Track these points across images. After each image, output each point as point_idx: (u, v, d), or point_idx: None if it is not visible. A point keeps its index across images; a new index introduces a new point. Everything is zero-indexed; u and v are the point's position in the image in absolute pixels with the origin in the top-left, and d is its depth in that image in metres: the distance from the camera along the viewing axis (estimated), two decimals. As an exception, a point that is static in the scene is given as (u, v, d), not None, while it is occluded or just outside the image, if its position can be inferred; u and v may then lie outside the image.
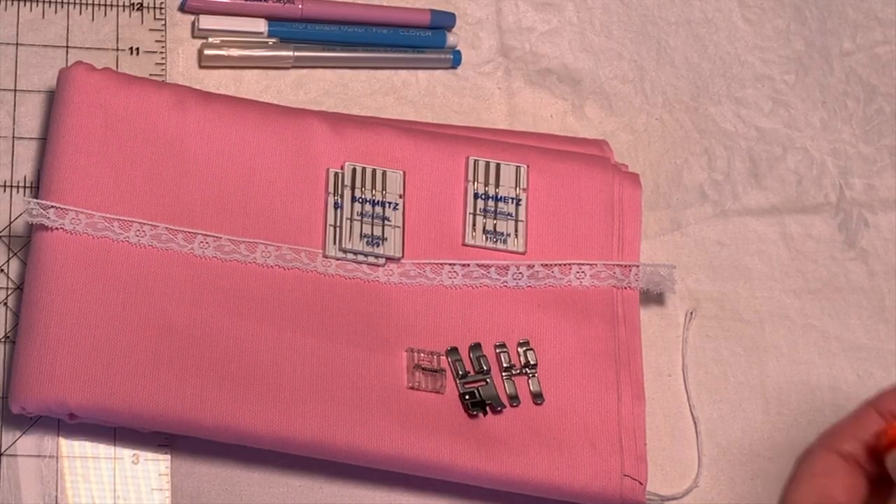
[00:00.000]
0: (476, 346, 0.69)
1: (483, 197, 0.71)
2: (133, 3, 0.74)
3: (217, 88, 0.74)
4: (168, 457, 0.67)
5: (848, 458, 0.52)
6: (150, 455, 0.66)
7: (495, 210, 0.71)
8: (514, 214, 0.71)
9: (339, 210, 0.69)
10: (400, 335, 0.68)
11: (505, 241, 0.71)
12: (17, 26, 0.72)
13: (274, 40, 0.74)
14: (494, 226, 0.71)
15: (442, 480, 0.68)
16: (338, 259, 0.68)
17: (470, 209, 0.71)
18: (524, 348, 0.69)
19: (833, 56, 0.84)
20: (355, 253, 0.68)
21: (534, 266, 0.70)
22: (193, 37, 0.74)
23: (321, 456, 0.66)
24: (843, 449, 0.50)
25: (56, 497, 0.65)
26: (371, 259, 0.69)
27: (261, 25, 0.74)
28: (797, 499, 0.50)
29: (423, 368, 0.67)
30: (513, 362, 0.69)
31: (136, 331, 0.65)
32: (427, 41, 0.77)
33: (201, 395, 0.65)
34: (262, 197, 0.68)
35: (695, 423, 0.74)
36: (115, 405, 0.64)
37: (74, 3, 0.73)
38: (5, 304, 0.67)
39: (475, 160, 0.71)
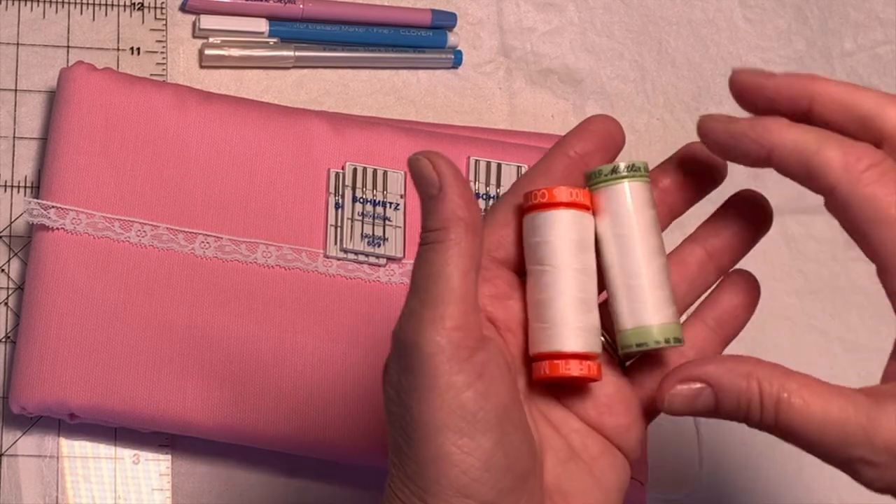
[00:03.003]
0: (477, 347, 0.69)
1: (484, 197, 0.71)
2: (134, 3, 0.74)
3: (218, 88, 0.74)
4: (168, 457, 0.67)
5: None
6: (150, 455, 0.66)
7: (496, 210, 0.71)
8: (514, 215, 0.71)
9: (339, 210, 0.69)
10: (401, 335, 0.68)
11: (506, 242, 0.71)
12: (18, 26, 0.72)
13: (275, 40, 0.74)
14: (495, 226, 0.71)
15: (443, 481, 0.68)
16: (339, 259, 0.68)
17: (471, 209, 0.71)
18: (525, 349, 0.69)
19: (834, 56, 0.84)
20: (356, 253, 0.68)
21: (535, 266, 0.70)
22: (194, 37, 0.74)
23: (322, 456, 0.66)
24: None
25: (57, 497, 0.65)
26: (372, 259, 0.69)
27: (262, 25, 0.74)
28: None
29: (424, 369, 0.67)
30: (513, 363, 0.69)
31: (136, 331, 0.65)
32: (428, 41, 0.77)
33: (202, 395, 0.65)
34: (263, 197, 0.68)
35: (696, 423, 0.74)
36: (116, 405, 0.64)
37: (75, 3, 0.73)
38: (6, 304, 0.67)
39: (476, 160, 0.71)
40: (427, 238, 0.45)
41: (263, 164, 0.69)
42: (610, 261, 0.48)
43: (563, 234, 0.47)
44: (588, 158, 0.49)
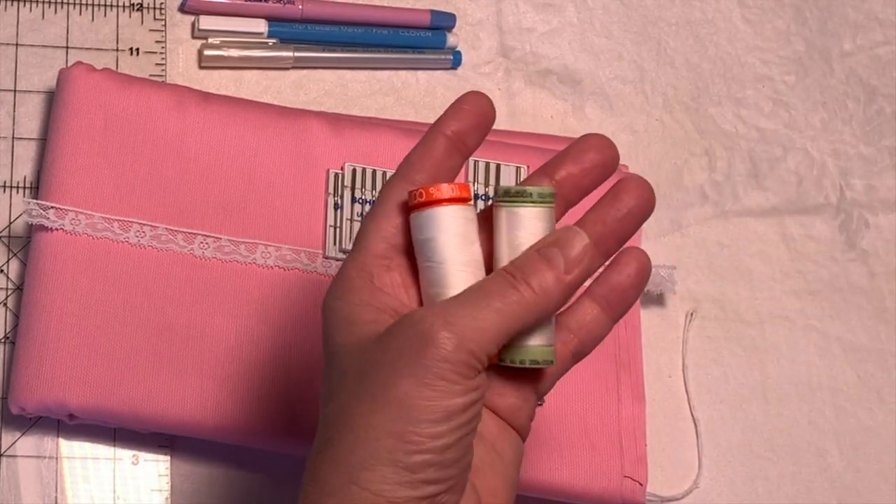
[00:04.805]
0: (476, 347, 0.69)
1: (483, 198, 0.71)
2: (133, 4, 0.74)
3: (217, 89, 0.73)
4: (168, 457, 0.67)
5: None
6: (149, 455, 0.66)
7: (495, 211, 0.71)
8: (514, 215, 0.71)
9: (339, 211, 0.69)
10: (400, 336, 0.68)
11: (505, 242, 0.71)
12: (17, 26, 0.72)
13: (274, 41, 0.74)
14: (494, 226, 0.71)
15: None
16: (338, 260, 0.68)
17: (470, 210, 0.71)
18: (524, 349, 0.69)
19: (833, 57, 0.84)
20: (355, 254, 0.68)
21: (534, 267, 0.70)
22: (193, 37, 0.74)
23: (321, 457, 0.66)
24: (417, 179, 0.50)
25: (56, 498, 0.65)
26: (371, 260, 0.69)
27: (261, 26, 0.74)
28: (371, 228, 0.50)
29: (423, 369, 0.67)
30: (513, 363, 0.69)
31: (135, 331, 0.65)
32: (427, 42, 0.77)
33: (201, 395, 0.65)
34: (262, 198, 0.68)
35: (695, 423, 0.74)
36: (115, 406, 0.64)
37: (74, 4, 0.73)
38: (5, 304, 0.67)
39: (475, 161, 0.71)
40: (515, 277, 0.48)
41: (262, 164, 0.69)
42: None
43: (447, 230, 0.49)
44: (465, 136, 0.51)
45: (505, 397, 0.52)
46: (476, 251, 0.50)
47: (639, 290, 0.54)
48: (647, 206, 0.53)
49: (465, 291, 0.48)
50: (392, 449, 0.45)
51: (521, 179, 0.71)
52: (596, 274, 0.53)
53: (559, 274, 0.48)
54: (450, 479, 0.47)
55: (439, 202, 0.49)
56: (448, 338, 0.46)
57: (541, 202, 0.50)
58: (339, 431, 0.47)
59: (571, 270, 0.48)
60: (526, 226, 0.50)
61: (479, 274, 0.50)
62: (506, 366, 0.50)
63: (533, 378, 0.52)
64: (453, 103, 0.51)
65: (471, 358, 0.46)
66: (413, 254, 0.50)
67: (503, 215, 0.50)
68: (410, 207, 0.50)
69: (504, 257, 0.50)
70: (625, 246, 0.53)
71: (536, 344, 0.50)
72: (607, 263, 0.53)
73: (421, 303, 0.51)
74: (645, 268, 0.54)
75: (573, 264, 0.48)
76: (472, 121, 0.51)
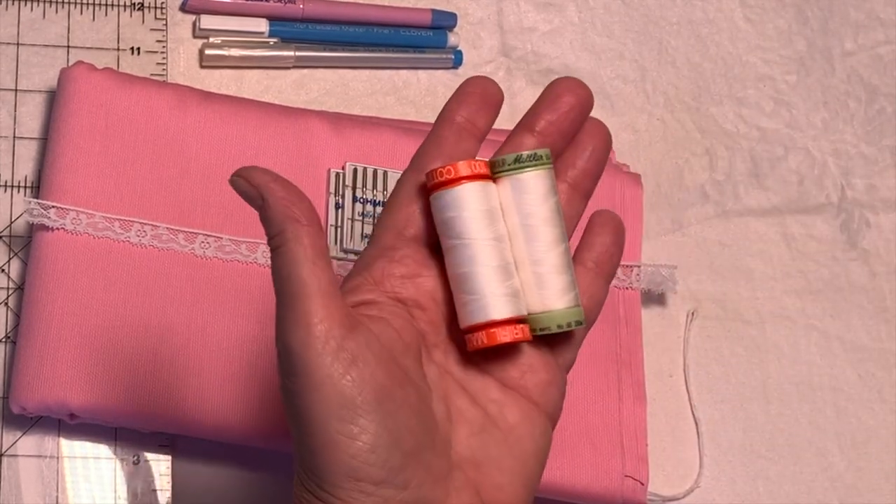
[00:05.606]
0: (477, 347, 0.69)
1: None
2: (134, 3, 0.74)
3: (218, 88, 0.74)
4: (168, 457, 0.67)
5: None
6: (150, 455, 0.66)
7: (496, 210, 0.71)
8: (515, 215, 0.71)
9: (340, 210, 0.69)
10: (401, 335, 0.68)
11: (506, 242, 0.71)
12: (18, 26, 0.72)
13: (275, 40, 0.74)
14: (495, 226, 0.71)
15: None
16: (339, 259, 0.68)
17: (471, 209, 0.71)
18: (525, 349, 0.69)
19: (835, 56, 0.84)
20: (356, 253, 0.68)
21: (535, 266, 0.70)
22: (194, 36, 0.74)
23: (322, 456, 0.66)
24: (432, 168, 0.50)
25: (57, 497, 0.65)
26: (372, 259, 0.69)
27: (262, 25, 0.74)
28: (383, 221, 0.50)
29: (424, 369, 0.67)
30: (514, 363, 0.69)
31: (136, 331, 0.65)
32: (428, 41, 0.77)
33: (202, 395, 0.65)
34: (263, 197, 0.68)
35: (696, 423, 0.74)
36: (116, 405, 0.64)
37: (75, 3, 0.73)
38: (6, 304, 0.67)
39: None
40: (271, 245, 0.46)
41: (264, 164, 0.69)
42: (516, 248, 0.50)
43: (473, 207, 0.48)
44: (474, 119, 0.51)
45: (536, 372, 0.50)
46: (502, 228, 0.49)
47: (620, 247, 0.54)
48: (606, 144, 0.53)
49: (277, 293, 0.46)
50: (326, 465, 0.45)
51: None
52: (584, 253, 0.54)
53: (270, 213, 0.46)
54: (402, 472, 0.45)
55: (461, 180, 0.48)
56: (286, 333, 0.45)
57: (546, 162, 0.50)
58: (297, 452, 0.47)
59: (268, 197, 0.47)
60: (531, 189, 0.49)
61: (508, 250, 0.49)
62: (540, 335, 0.49)
63: (560, 347, 0.51)
64: (457, 90, 0.51)
65: (318, 328, 0.45)
66: (423, 243, 0.50)
67: (507, 184, 0.50)
68: (430, 188, 0.49)
69: (517, 225, 0.49)
70: (597, 218, 0.54)
71: (567, 306, 0.49)
72: (586, 228, 0.54)
73: (438, 285, 0.50)
74: (619, 226, 0.54)
75: (263, 188, 0.47)
76: (478, 102, 0.51)
